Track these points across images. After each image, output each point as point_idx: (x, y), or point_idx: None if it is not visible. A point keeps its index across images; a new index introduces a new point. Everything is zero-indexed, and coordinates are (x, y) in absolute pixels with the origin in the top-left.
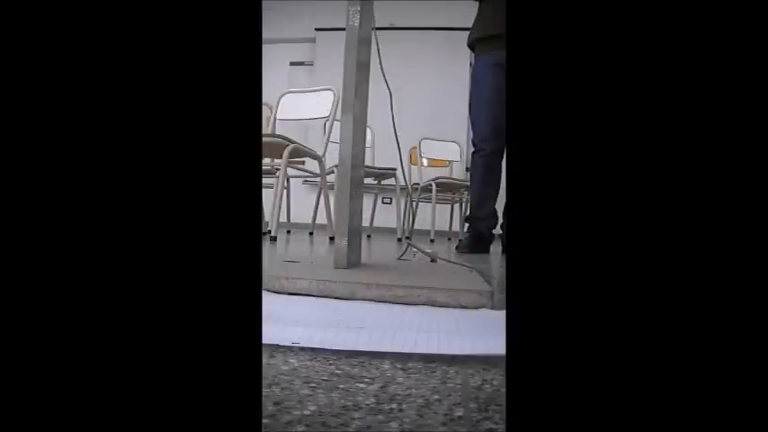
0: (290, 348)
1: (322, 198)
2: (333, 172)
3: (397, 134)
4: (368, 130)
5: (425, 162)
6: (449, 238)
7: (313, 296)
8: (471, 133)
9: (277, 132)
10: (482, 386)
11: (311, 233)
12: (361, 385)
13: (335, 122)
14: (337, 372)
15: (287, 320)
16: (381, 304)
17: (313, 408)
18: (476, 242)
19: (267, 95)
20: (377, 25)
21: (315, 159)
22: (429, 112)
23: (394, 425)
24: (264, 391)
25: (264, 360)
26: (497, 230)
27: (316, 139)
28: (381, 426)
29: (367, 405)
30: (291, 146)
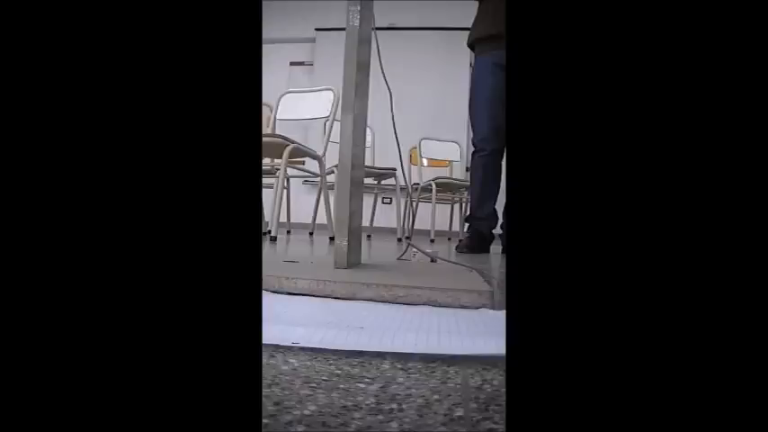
0: (289, 348)
1: (322, 198)
2: (333, 172)
3: (397, 134)
4: (368, 130)
5: (425, 162)
6: (449, 238)
7: (313, 296)
8: (471, 133)
9: (277, 132)
10: (482, 386)
11: (311, 233)
12: (362, 385)
13: (335, 122)
14: (337, 372)
15: (287, 320)
16: (381, 304)
17: (313, 408)
18: (476, 242)
19: (267, 95)
20: (377, 25)
21: (315, 159)
22: (429, 112)
23: (394, 425)
24: (264, 391)
25: (264, 360)
26: (497, 230)
27: (316, 139)
28: (381, 426)
29: (367, 405)
30: (291, 146)
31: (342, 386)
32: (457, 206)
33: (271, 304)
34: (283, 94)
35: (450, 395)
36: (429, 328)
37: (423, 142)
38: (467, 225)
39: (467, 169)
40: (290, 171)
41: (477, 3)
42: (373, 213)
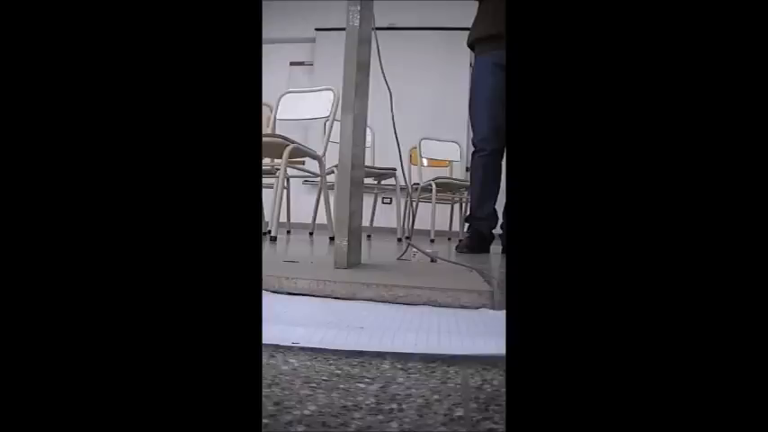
0: (290, 348)
1: (322, 198)
2: (333, 172)
3: (397, 134)
4: (368, 130)
5: (425, 162)
6: (449, 238)
7: (313, 296)
8: (471, 133)
9: (277, 132)
10: (482, 386)
11: (311, 233)
12: (362, 385)
13: (335, 122)
14: (337, 372)
15: (287, 320)
16: (381, 304)
17: (313, 408)
18: (476, 242)
19: (267, 95)
20: (377, 25)
21: (315, 159)
22: (429, 112)
23: (394, 425)
24: (264, 391)
25: (264, 360)
26: (497, 230)
27: (316, 139)
28: (381, 426)
29: (367, 405)
30: (291, 146)
31: (342, 386)
32: (457, 206)
33: (271, 304)
34: (283, 94)
35: (450, 395)
36: (429, 328)
37: (423, 142)
38: (467, 225)
39: (467, 169)
40: (290, 171)
41: (477, 3)
42: (373, 213)
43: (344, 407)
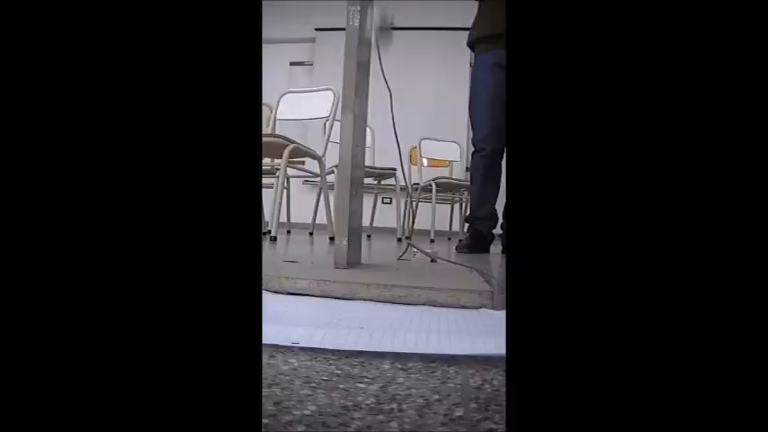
0: (290, 348)
1: (322, 198)
2: (333, 172)
3: (397, 134)
4: (368, 130)
5: (425, 162)
6: (449, 238)
7: (313, 296)
8: (471, 133)
9: (277, 132)
10: (482, 386)
11: (311, 233)
12: (362, 385)
13: (335, 122)
14: (337, 372)
15: (287, 320)
16: (381, 304)
17: (313, 408)
18: (476, 242)
19: (267, 95)
20: (376, 25)
21: (315, 159)
22: (429, 112)
23: (394, 425)
24: (264, 391)
25: (264, 360)
26: (497, 230)
27: (316, 139)
28: (381, 426)
29: (367, 405)
30: (291, 146)
31: (342, 386)
32: (457, 206)
33: (271, 304)
34: (283, 94)
35: (450, 395)
36: (429, 328)
37: (423, 142)
38: (467, 225)
39: (467, 169)
40: (290, 171)
41: (477, 3)
42: (373, 213)
43: (344, 407)
